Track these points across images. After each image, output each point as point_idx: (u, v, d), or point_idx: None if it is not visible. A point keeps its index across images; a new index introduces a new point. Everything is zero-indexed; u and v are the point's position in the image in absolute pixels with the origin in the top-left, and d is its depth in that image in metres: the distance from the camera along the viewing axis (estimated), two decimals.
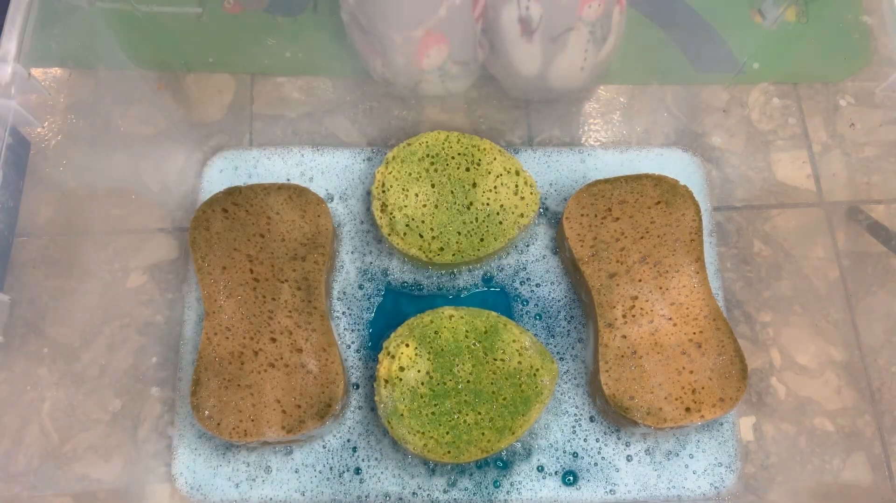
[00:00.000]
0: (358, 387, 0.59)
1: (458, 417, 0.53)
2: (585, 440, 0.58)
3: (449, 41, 0.55)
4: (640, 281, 0.57)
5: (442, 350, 0.55)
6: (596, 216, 0.58)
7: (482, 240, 0.59)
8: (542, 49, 0.56)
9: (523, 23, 0.54)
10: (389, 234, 0.59)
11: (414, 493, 0.56)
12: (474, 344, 0.55)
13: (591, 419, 0.58)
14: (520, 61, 0.58)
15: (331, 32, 0.67)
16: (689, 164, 0.66)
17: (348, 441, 0.58)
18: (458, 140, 0.61)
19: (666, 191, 0.59)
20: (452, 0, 0.52)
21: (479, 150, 0.61)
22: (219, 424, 0.53)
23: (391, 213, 0.59)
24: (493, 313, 0.56)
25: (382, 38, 0.55)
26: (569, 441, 0.58)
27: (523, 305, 0.61)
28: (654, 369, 0.55)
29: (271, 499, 0.57)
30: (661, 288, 0.57)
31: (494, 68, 0.62)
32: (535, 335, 0.60)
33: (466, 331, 0.55)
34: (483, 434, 0.53)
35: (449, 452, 0.53)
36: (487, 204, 0.59)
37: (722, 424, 0.59)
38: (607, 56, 0.61)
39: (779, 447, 0.58)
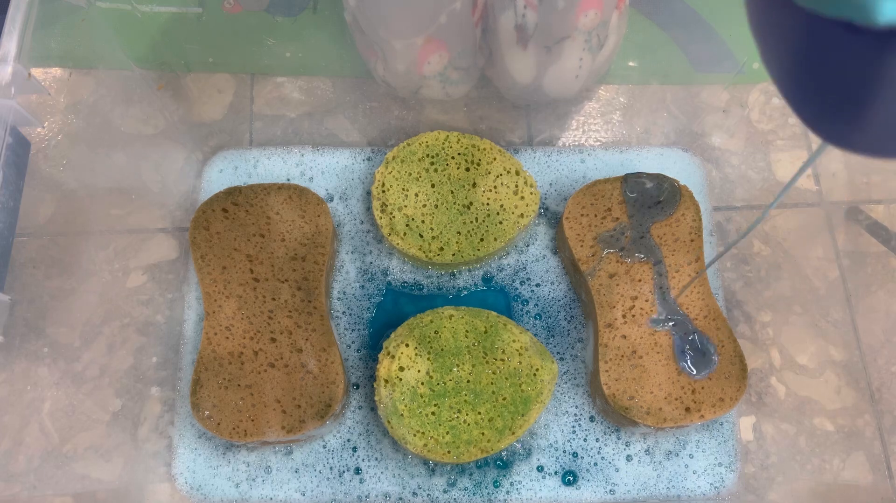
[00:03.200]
0: (358, 387, 0.59)
1: (458, 417, 0.53)
2: (585, 440, 0.58)
3: (449, 48, 0.55)
4: (639, 281, 0.57)
5: (442, 350, 0.55)
6: (596, 216, 0.58)
7: (482, 240, 0.59)
8: (536, 57, 0.56)
9: (519, 30, 0.54)
10: (389, 234, 0.59)
11: (414, 493, 0.56)
12: (474, 344, 0.55)
13: (591, 419, 0.58)
14: (515, 69, 0.58)
15: (331, 32, 0.67)
16: (689, 164, 0.66)
17: (348, 441, 0.58)
18: (458, 140, 0.61)
19: (665, 191, 0.59)
20: (453, 6, 0.52)
21: (478, 149, 0.61)
22: (219, 424, 0.53)
23: (391, 213, 0.59)
24: (493, 313, 0.56)
25: (383, 45, 0.55)
26: (568, 441, 0.58)
27: (523, 305, 0.61)
28: (654, 369, 0.55)
29: (271, 499, 0.57)
30: (660, 288, 0.57)
31: (492, 73, 0.62)
32: (535, 335, 0.60)
33: (466, 331, 0.55)
34: (483, 434, 0.53)
35: (449, 452, 0.53)
36: (487, 204, 0.59)
37: (722, 424, 0.59)
38: (605, 62, 0.61)
39: (779, 447, 0.58)
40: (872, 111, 0.24)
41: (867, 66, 0.23)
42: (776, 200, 0.37)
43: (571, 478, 0.57)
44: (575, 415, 0.59)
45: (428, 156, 0.61)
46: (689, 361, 0.54)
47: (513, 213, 0.59)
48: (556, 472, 0.57)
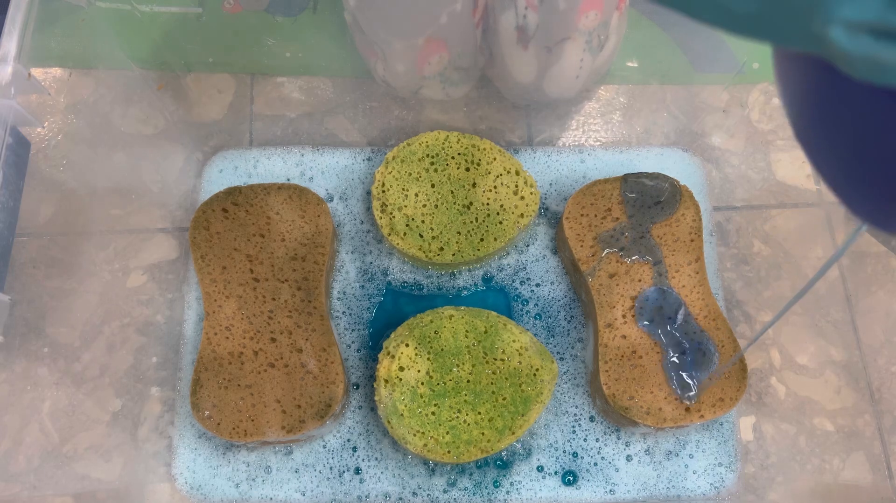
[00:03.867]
0: (358, 387, 0.59)
1: (458, 417, 0.53)
2: (585, 440, 0.58)
3: (449, 48, 0.55)
4: (639, 281, 0.57)
5: (442, 350, 0.55)
6: (596, 216, 0.58)
7: (482, 240, 0.59)
8: (537, 57, 0.56)
9: (520, 31, 0.54)
10: (389, 234, 0.59)
11: (414, 493, 0.56)
12: (474, 344, 0.55)
13: (591, 419, 0.58)
14: (515, 69, 0.58)
15: (331, 32, 0.67)
16: (689, 164, 0.66)
17: (348, 441, 0.58)
18: (458, 140, 0.61)
19: (665, 191, 0.59)
20: (453, 7, 0.52)
21: (478, 149, 0.61)
22: (219, 424, 0.53)
23: (391, 213, 0.59)
24: (493, 313, 0.56)
25: (383, 45, 0.55)
26: (568, 441, 0.58)
27: (523, 305, 0.61)
28: (653, 369, 0.55)
29: (271, 499, 0.57)
30: (660, 288, 0.57)
31: (492, 74, 0.62)
32: (535, 335, 0.60)
33: (466, 331, 0.55)
34: (483, 434, 0.53)
35: (449, 452, 0.53)
36: (487, 204, 0.59)
37: (722, 424, 0.59)
38: (604, 62, 0.61)
39: (779, 447, 0.58)
40: None
41: None
42: (826, 266, 0.33)
43: (571, 478, 0.57)
44: (575, 415, 0.59)
45: (428, 156, 0.61)
46: (676, 382, 0.54)
47: (513, 213, 0.59)
48: (556, 472, 0.57)
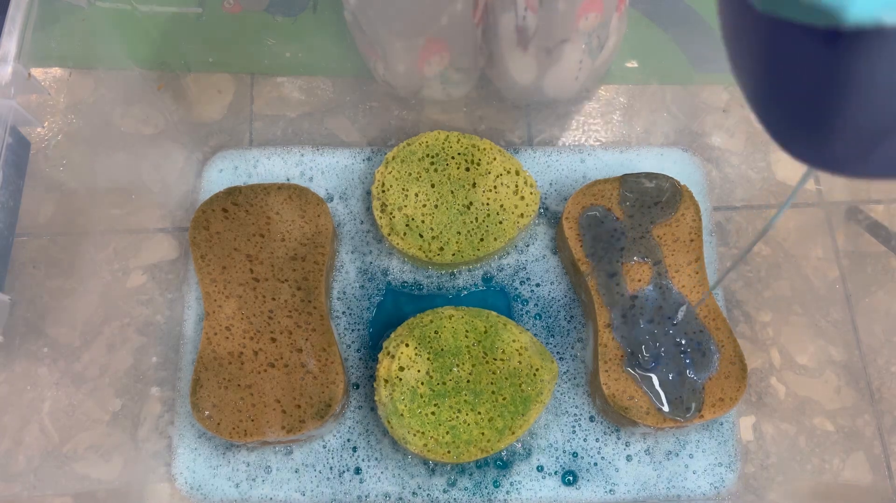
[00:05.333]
0: (358, 387, 0.59)
1: (457, 417, 0.53)
2: (585, 440, 0.58)
3: (450, 48, 0.55)
4: (639, 281, 0.57)
5: (442, 350, 0.55)
6: (596, 216, 0.58)
7: (482, 239, 0.59)
8: (536, 59, 0.56)
9: (520, 32, 0.54)
10: (389, 234, 0.59)
11: (414, 493, 0.56)
12: (474, 344, 0.55)
13: (591, 419, 0.58)
14: (515, 70, 0.58)
15: (331, 32, 0.67)
16: (689, 163, 0.66)
17: (348, 441, 0.58)
18: (458, 140, 0.61)
19: (666, 191, 0.59)
20: (454, 7, 0.52)
21: (478, 149, 0.61)
22: (219, 424, 0.53)
23: (391, 213, 0.59)
24: (493, 313, 0.56)
25: (384, 44, 0.55)
26: (568, 441, 0.58)
27: (523, 305, 0.61)
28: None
29: (271, 499, 0.57)
30: (660, 288, 0.57)
31: (492, 74, 0.62)
32: (535, 335, 0.60)
33: (466, 331, 0.55)
34: (483, 434, 0.53)
35: (449, 452, 0.53)
36: (487, 204, 0.59)
37: (722, 424, 0.59)
38: (604, 63, 0.61)
39: (779, 447, 0.58)
40: (837, 124, 0.22)
41: (829, 75, 0.21)
42: (777, 214, 0.36)
43: (571, 478, 0.57)
44: (575, 415, 0.59)
45: (428, 156, 0.61)
46: (666, 404, 0.53)
47: (513, 212, 0.59)
48: (556, 472, 0.57)
